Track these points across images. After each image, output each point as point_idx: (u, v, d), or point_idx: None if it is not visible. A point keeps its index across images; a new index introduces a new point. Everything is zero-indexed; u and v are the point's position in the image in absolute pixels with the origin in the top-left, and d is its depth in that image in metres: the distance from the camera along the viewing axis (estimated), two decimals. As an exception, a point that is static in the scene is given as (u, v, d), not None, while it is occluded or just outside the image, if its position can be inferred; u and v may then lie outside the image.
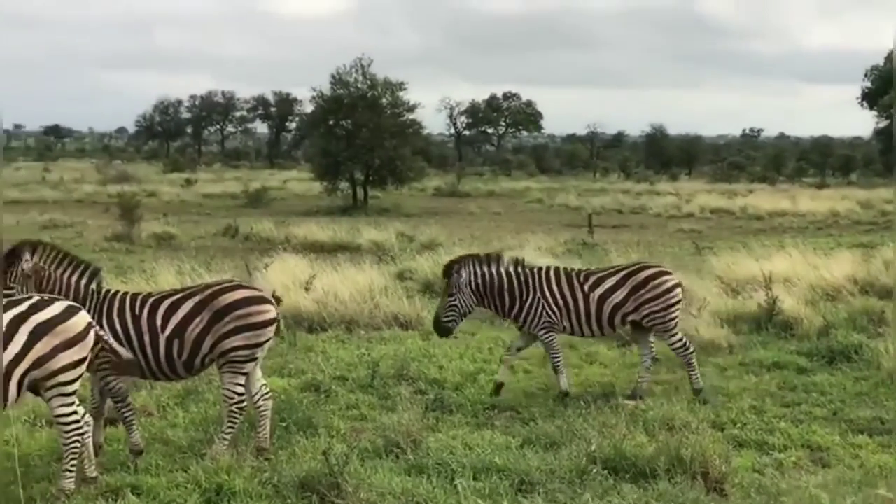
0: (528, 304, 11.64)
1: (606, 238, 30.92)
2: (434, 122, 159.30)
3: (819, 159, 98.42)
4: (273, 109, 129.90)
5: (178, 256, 22.04)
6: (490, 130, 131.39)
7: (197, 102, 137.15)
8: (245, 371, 9.15)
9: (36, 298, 7.97)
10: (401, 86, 51.94)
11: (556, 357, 11.78)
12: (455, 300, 11.65)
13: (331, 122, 52.03)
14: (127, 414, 9.23)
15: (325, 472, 8.09)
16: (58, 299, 8.11)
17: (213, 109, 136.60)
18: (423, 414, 10.22)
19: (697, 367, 11.93)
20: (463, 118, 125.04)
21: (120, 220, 31.50)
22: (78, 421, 8.04)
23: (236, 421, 9.20)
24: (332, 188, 50.74)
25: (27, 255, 9.15)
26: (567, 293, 11.69)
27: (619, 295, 11.67)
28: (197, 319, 9.04)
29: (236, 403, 9.14)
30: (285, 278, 17.24)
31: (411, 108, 52.68)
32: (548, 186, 68.35)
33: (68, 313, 7.92)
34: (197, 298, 9.12)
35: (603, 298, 11.67)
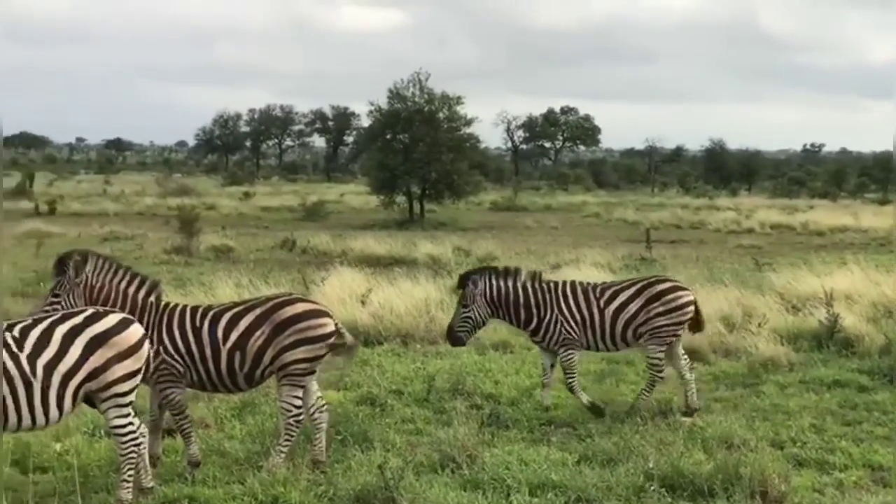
0: (546, 320, 11.59)
1: (665, 253, 30.74)
2: (491, 136, 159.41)
3: (881, 175, 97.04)
4: (331, 123, 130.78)
5: (237, 269, 22.25)
6: (547, 145, 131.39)
7: (256, 116, 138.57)
8: (303, 384, 9.22)
9: (91, 311, 8.09)
10: (458, 100, 52.05)
11: (571, 377, 11.67)
12: (469, 311, 11.60)
13: (388, 136, 52.28)
14: (185, 426, 9.32)
15: (380, 485, 8.12)
16: (112, 311, 8.22)
17: (272, 123, 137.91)
18: (478, 429, 10.19)
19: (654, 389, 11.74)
20: (520, 132, 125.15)
21: (179, 232, 31.83)
22: (134, 431, 8.14)
23: (293, 433, 9.25)
24: (389, 202, 50.92)
25: (77, 265, 9.29)
26: (584, 308, 11.62)
27: (632, 308, 11.56)
28: (258, 332, 9.12)
29: (294, 416, 9.20)
30: (342, 292, 17.33)
31: (468, 122, 52.80)
32: (605, 201, 68.08)
33: (123, 325, 8.03)
34: (258, 311, 9.21)
35: (617, 313, 11.57)
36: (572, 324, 11.56)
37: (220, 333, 9.14)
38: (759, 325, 15.19)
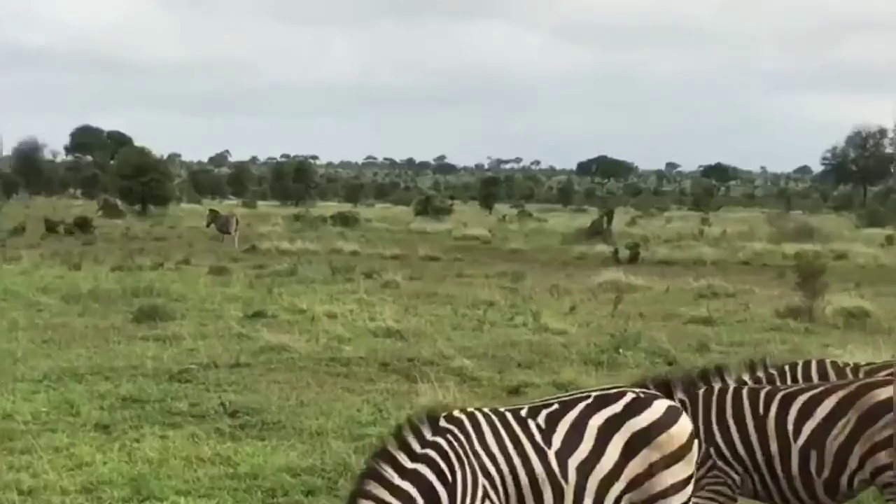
0: None
1: None
2: None
3: None
4: None
5: (874, 342, 21.76)
6: None
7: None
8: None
9: (630, 395, 8.15)
10: None
11: None
12: None
13: None
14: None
15: None
16: (654, 395, 8.28)
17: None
18: None
19: None
20: None
21: (797, 289, 31.80)
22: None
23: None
24: None
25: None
26: None
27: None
28: (842, 422, 8.92)
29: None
30: None
31: None
32: None
33: (670, 416, 8.03)
34: (841, 394, 9.03)
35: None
36: None
37: (790, 425, 9.03)
38: None
